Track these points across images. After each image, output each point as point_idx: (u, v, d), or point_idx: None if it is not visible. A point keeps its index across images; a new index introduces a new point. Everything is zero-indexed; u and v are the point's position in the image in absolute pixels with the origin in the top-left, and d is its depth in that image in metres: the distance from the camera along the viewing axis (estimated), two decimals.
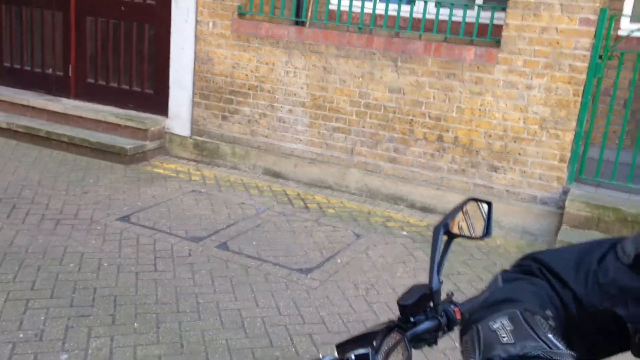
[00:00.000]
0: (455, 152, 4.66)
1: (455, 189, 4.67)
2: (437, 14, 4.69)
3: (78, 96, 6.10)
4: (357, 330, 3.02)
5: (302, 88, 5.08)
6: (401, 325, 1.19)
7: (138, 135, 5.54)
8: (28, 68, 6.33)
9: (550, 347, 0.66)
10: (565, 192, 4.35)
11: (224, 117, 5.45)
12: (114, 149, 5.35)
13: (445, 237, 1.31)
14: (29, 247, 3.67)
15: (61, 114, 5.85)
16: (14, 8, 6.27)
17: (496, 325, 0.73)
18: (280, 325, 3.04)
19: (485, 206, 1.35)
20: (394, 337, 1.12)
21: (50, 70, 6.23)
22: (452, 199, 4.24)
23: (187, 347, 2.80)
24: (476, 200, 1.35)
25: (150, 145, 5.54)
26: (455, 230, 1.31)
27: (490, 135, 4.52)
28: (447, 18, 4.74)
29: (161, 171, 5.31)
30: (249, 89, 5.29)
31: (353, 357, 1.05)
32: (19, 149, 5.61)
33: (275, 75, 5.15)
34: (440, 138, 4.69)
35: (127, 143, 5.42)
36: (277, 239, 4.09)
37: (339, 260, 3.85)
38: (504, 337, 0.70)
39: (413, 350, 1.28)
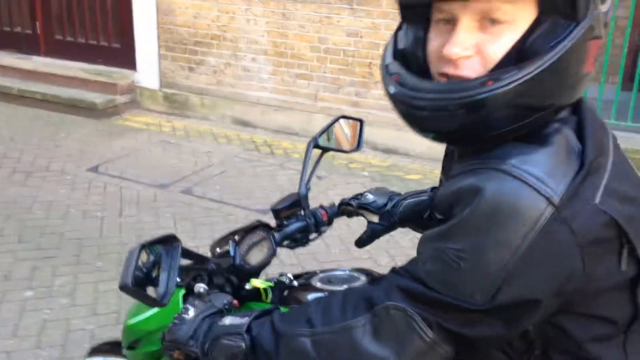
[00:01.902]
0: None
1: None
2: None
3: (48, 53, 6.15)
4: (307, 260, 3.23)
5: (262, 36, 5.15)
6: (269, 225, 1.37)
7: (108, 89, 5.63)
8: None
9: None
10: None
11: (191, 69, 5.54)
12: (85, 104, 5.46)
13: (318, 151, 1.48)
14: None
15: (33, 71, 5.92)
16: None
17: None
18: None
19: (358, 124, 1.51)
20: (260, 234, 1.30)
21: (19, 29, 6.27)
22: (412, 139, 4.38)
23: None
24: (347, 117, 1.51)
25: (120, 99, 5.64)
26: (326, 144, 1.47)
27: None
28: None
29: (132, 124, 5.43)
30: (212, 39, 5.36)
31: (218, 251, 1.22)
32: None
33: (237, 24, 5.21)
34: None
35: (97, 98, 5.52)
36: (240, 183, 4.26)
37: None
38: None
39: (290, 250, 1.46)
